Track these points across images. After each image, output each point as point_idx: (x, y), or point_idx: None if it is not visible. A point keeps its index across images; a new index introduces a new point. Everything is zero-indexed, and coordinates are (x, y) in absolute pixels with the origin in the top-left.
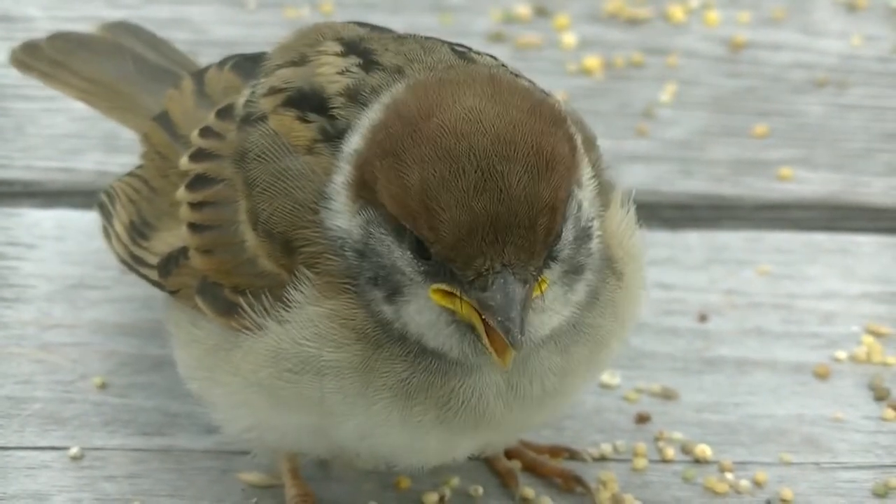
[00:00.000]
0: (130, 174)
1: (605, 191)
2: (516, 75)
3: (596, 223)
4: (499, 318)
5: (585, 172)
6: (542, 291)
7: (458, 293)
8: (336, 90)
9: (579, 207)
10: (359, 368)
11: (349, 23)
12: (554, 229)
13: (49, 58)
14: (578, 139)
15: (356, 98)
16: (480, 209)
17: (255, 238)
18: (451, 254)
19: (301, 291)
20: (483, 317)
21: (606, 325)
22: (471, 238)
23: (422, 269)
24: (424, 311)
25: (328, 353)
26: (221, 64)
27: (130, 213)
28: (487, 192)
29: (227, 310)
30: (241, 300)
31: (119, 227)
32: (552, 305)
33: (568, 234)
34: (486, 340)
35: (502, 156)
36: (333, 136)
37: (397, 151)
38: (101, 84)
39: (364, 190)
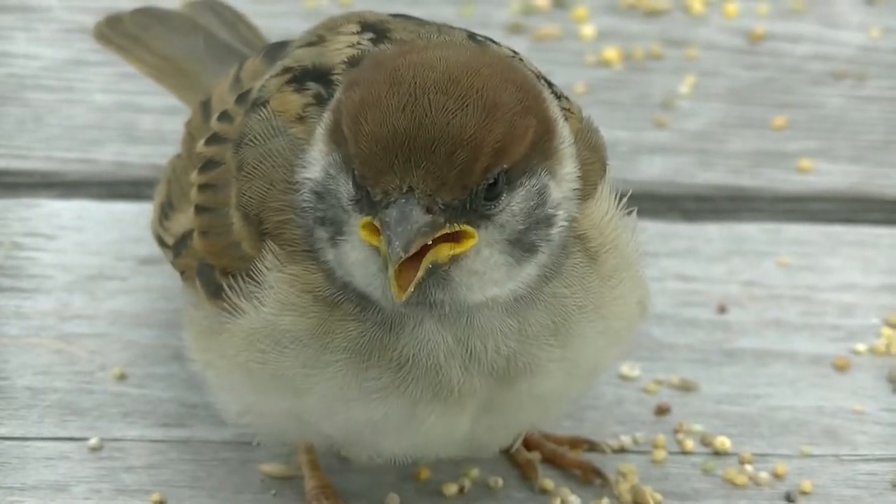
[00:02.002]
0: (178, 154)
1: (589, 183)
2: (534, 72)
3: (564, 214)
4: (387, 233)
5: (566, 167)
6: (464, 248)
7: (373, 221)
8: (340, 59)
9: (542, 190)
10: (316, 333)
11: (381, 13)
12: (474, 169)
13: (128, 32)
14: (563, 129)
15: (356, 65)
16: (400, 127)
17: (238, 221)
18: (365, 170)
19: (265, 264)
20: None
21: (573, 297)
22: (385, 154)
23: (352, 197)
24: (356, 248)
25: (288, 317)
26: (261, 51)
27: (164, 193)
28: (411, 114)
29: (216, 292)
30: (225, 282)
31: (156, 207)
32: (487, 271)
33: (514, 204)
34: (388, 268)
35: (441, 89)
36: (326, 100)
37: (357, 80)
38: (171, 62)
39: (335, 132)
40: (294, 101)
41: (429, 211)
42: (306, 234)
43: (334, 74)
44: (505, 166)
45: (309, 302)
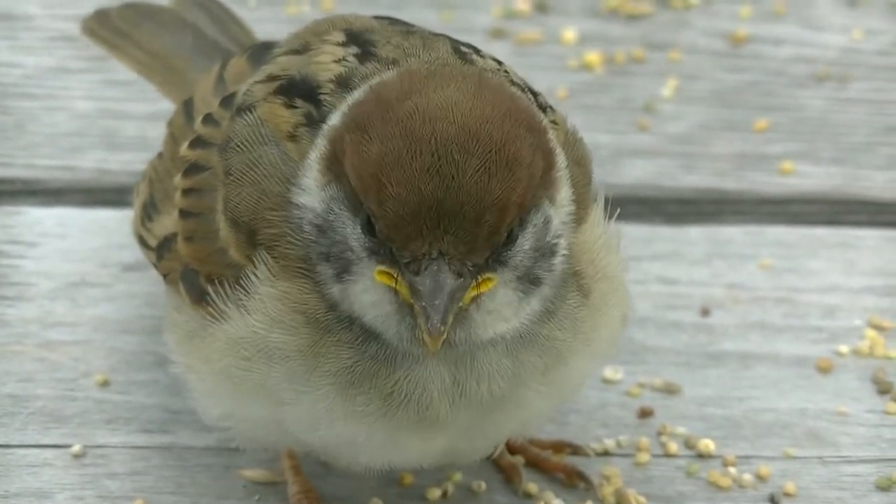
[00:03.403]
0: (158, 155)
1: (583, 206)
2: (519, 84)
3: (563, 242)
4: (423, 304)
5: (563, 192)
6: (484, 290)
7: (395, 275)
8: (328, 77)
9: (546, 222)
10: (306, 352)
11: (367, 16)
12: (501, 230)
13: (116, 28)
14: (560, 157)
15: (346, 85)
16: (427, 192)
17: (225, 227)
18: (392, 232)
19: (257, 275)
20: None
21: (564, 339)
22: (413, 219)
23: (368, 246)
24: (369, 290)
25: (277, 335)
26: (245, 51)
27: (146, 193)
28: (438, 178)
29: (200, 297)
30: (210, 288)
31: (138, 206)
32: (500, 309)
33: (525, 243)
34: (420, 321)
35: (463, 147)
36: (317, 121)
37: (366, 126)
38: (159, 58)
39: (333, 163)
40: (285, 117)
41: (459, 275)
42: (302, 252)
43: (322, 94)
44: (522, 216)
45: (300, 322)
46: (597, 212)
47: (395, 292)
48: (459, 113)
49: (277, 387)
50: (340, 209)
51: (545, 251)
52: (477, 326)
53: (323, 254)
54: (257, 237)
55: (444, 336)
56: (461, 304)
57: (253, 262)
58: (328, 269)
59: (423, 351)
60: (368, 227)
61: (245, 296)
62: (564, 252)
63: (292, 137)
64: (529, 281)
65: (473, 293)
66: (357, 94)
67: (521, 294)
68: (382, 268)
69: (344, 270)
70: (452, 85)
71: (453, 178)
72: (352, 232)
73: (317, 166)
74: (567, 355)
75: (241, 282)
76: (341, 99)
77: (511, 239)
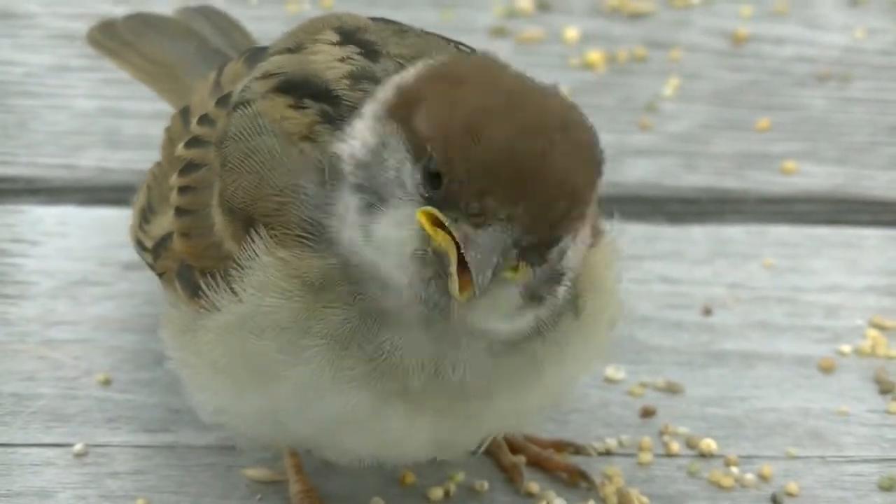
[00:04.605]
0: (157, 164)
1: (594, 233)
2: None
3: (571, 275)
4: (473, 253)
5: (586, 231)
6: (518, 277)
7: (447, 222)
8: (337, 75)
9: (565, 252)
10: (298, 317)
11: (359, 15)
12: (564, 222)
13: (121, 37)
14: (596, 195)
15: (362, 81)
16: (521, 152)
17: (221, 218)
18: (473, 179)
19: (254, 249)
20: (461, 250)
21: (549, 358)
22: (497, 175)
23: (422, 191)
24: (401, 225)
25: (271, 300)
26: (241, 55)
27: (144, 199)
28: (534, 146)
29: (195, 292)
30: (203, 282)
31: (135, 213)
32: (503, 305)
33: (553, 259)
34: (453, 269)
35: (560, 129)
36: (335, 118)
37: (454, 77)
38: (163, 67)
39: (400, 109)
40: (295, 118)
41: (515, 245)
42: (304, 218)
43: (340, 90)
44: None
45: (296, 286)
46: (605, 240)
47: (427, 238)
48: (549, 101)
49: (266, 361)
50: (399, 149)
51: (556, 277)
52: (478, 309)
53: (357, 185)
54: (252, 214)
55: (476, 297)
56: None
57: (248, 242)
58: (357, 199)
59: (429, 299)
60: (429, 178)
61: (238, 273)
62: (569, 283)
63: (307, 138)
64: (533, 295)
65: (510, 275)
66: (406, 75)
67: (522, 302)
68: (430, 209)
69: (379, 200)
70: (513, 72)
71: (546, 154)
72: (408, 171)
73: (373, 113)
74: (546, 370)
75: (235, 264)
76: (364, 95)
77: (559, 242)
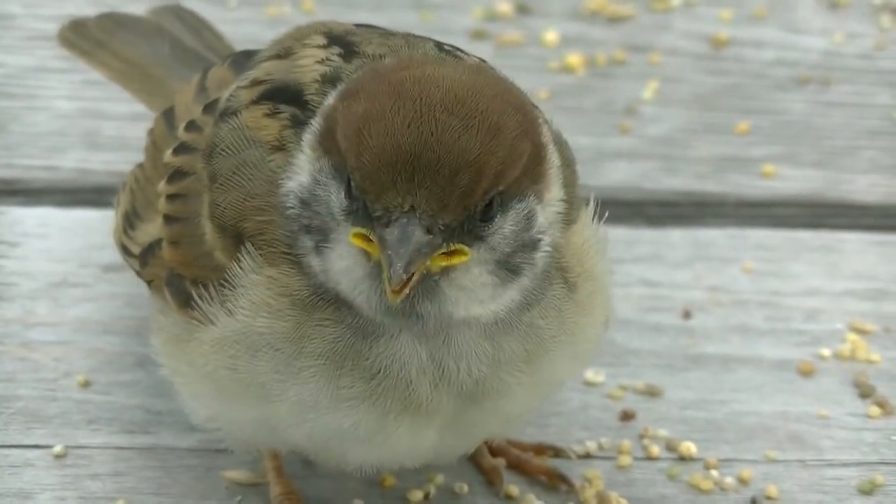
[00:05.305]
0: (139, 164)
1: (573, 207)
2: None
3: (548, 239)
4: (388, 252)
5: (553, 191)
6: (455, 262)
7: (367, 233)
8: (312, 78)
9: (530, 216)
10: (291, 337)
11: (347, 23)
12: (475, 193)
13: (93, 37)
14: (552, 154)
15: (333, 83)
16: (405, 144)
17: (212, 231)
18: (367, 183)
19: (242, 267)
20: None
21: (547, 328)
22: (388, 170)
23: (346, 207)
24: (344, 256)
25: (262, 320)
26: (226, 59)
27: (127, 202)
28: (417, 132)
29: (186, 302)
30: (195, 292)
31: (119, 216)
32: (473, 288)
33: (505, 227)
34: (385, 274)
35: (447, 108)
36: (303, 122)
37: (357, 91)
38: (136, 66)
39: (325, 137)
40: (268, 127)
41: (429, 231)
42: (287, 237)
43: (308, 95)
44: (501, 189)
45: (286, 305)
46: (586, 215)
47: (368, 255)
48: (449, 82)
49: (263, 380)
50: (327, 179)
51: (527, 243)
52: (447, 302)
53: (305, 226)
54: (242, 232)
55: (408, 290)
56: (428, 265)
57: (238, 259)
58: (309, 241)
59: (377, 307)
60: (348, 190)
61: (231, 291)
62: (548, 248)
63: (278, 148)
64: (508, 269)
65: (443, 262)
66: (350, 79)
67: (497, 279)
68: (357, 229)
69: (323, 239)
70: (449, 65)
71: (432, 133)
72: (335, 198)
73: (309, 145)
74: (549, 344)
75: (227, 279)
76: (330, 93)
77: (489, 216)
